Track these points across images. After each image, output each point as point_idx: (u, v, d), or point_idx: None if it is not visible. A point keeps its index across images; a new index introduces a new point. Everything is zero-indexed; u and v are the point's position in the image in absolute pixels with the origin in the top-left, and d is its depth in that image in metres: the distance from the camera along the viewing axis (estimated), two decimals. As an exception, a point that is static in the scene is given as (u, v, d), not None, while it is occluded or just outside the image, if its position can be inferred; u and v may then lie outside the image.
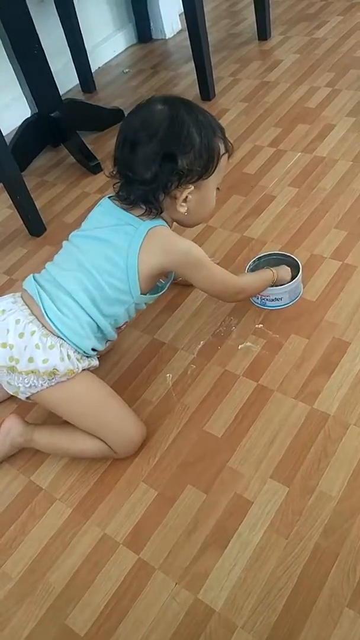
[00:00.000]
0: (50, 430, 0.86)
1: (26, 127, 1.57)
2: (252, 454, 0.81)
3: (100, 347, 0.84)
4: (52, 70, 1.54)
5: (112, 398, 0.83)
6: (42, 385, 0.77)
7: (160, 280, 0.88)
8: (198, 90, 1.71)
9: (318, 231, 1.16)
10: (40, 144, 1.65)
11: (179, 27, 2.20)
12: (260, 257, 1.06)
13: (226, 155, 0.82)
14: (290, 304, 1.01)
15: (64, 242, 0.85)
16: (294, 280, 0.98)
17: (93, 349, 0.82)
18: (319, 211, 1.20)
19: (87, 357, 0.81)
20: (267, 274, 0.96)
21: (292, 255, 1.04)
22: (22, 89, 1.74)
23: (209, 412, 0.88)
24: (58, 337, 0.76)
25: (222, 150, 0.80)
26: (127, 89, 1.91)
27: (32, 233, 1.37)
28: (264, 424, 0.85)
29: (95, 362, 0.83)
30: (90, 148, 1.56)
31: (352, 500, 0.74)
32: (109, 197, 0.83)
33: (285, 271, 1.00)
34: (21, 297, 0.81)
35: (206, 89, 1.69)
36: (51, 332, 0.76)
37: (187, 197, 0.79)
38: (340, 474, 0.76)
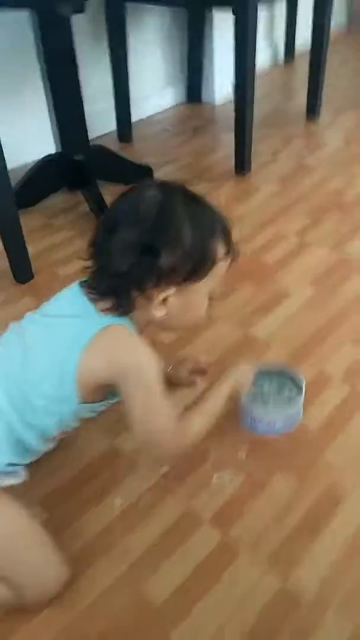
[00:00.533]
0: None
1: (45, 164, 1.47)
2: (196, 636, 0.62)
3: (23, 460, 0.67)
4: (91, 111, 1.46)
5: (30, 530, 0.64)
6: None
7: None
8: (233, 162, 1.61)
9: (331, 344, 1.00)
10: (56, 184, 1.54)
11: (231, 96, 2.15)
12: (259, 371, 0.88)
13: (227, 261, 0.68)
14: (283, 431, 0.84)
15: (11, 324, 0.70)
16: (294, 404, 0.82)
17: (11, 464, 0.65)
18: (336, 320, 1.05)
19: (5, 473, 0.64)
20: (218, 396, 0.74)
21: (293, 375, 0.87)
22: (50, 123, 1.67)
23: (153, 563, 0.69)
24: None
25: (221, 254, 0.66)
26: (164, 146, 1.82)
27: (17, 279, 1.23)
28: (220, 598, 0.65)
29: (15, 480, 0.66)
30: (107, 201, 1.44)
31: None
32: (79, 282, 0.69)
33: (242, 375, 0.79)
34: None
35: (241, 163, 1.60)
36: None
37: (166, 298, 0.64)
38: None
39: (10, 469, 0.65)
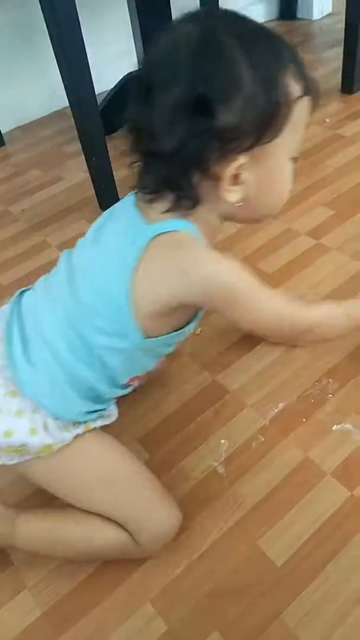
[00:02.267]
0: (43, 516, 0.59)
1: (128, 82, 1.35)
2: (323, 610, 0.53)
3: (102, 406, 0.59)
4: None
5: (136, 467, 0.58)
6: (9, 461, 0.54)
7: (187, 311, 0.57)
8: (340, 80, 1.42)
9: None
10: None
11: (330, 9, 1.92)
12: None
13: (305, 99, 0.49)
14: None
15: (62, 253, 0.59)
16: None
17: (90, 412, 0.57)
18: None
19: (83, 422, 0.56)
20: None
21: None
22: (135, 43, 1.54)
23: (271, 519, 0.60)
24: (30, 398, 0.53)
25: (296, 93, 0.48)
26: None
27: (102, 206, 1.15)
28: (351, 564, 0.55)
29: (100, 422, 0.58)
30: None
31: None
32: (135, 192, 0.54)
33: None
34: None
35: (350, 79, 1.41)
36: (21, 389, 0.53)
37: (237, 175, 0.48)
38: None
39: (93, 415, 0.57)
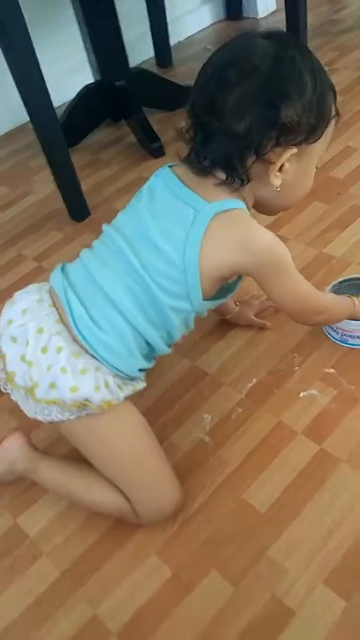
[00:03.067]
0: (61, 465, 0.71)
1: (85, 94, 1.45)
2: (302, 544, 0.64)
3: (149, 365, 0.68)
4: (126, 40, 1.41)
5: (154, 451, 0.67)
6: (67, 417, 0.62)
7: (228, 280, 0.70)
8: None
9: None
10: (99, 116, 1.53)
11: (274, 7, 2.04)
12: (341, 282, 0.88)
13: (334, 120, 0.64)
14: None
15: (105, 226, 0.68)
16: None
17: (140, 369, 0.67)
18: None
19: (132, 379, 0.66)
20: (346, 301, 0.79)
21: None
22: (87, 55, 1.64)
23: (253, 475, 0.71)
24: (93, 357, 0.62)
25: (333, 111, 0.63)
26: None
27: (73, 216, 1.24)
28: (323, 505, 0.67)
29: (140, 385, 0.68)
30: (154, 128, 1.42)
31: None
32: (169, 166, 0.66)
33: None
34: (49, 292, 0.66)
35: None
36: (84, 350, 0.61)
37: (283, 165, 0.61)
38: None
39: (139, 374, 0.67)
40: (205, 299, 0.64)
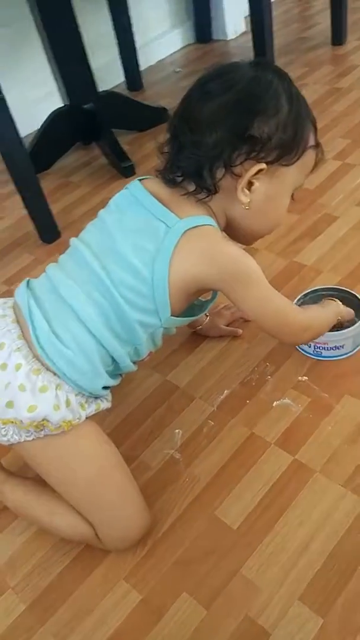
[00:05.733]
0: (25, 489, 0.69)
1: (54, 119, 1.48)
2: (276, 560, 0.62)
3: (114, 382, 0.67)
4: (96, 65, 1.45)
5: (118, 474, 0.64)
6: (24, 438, 0.61)
7: (200, 298, 0.71)
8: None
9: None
10: (69, 140, 1.55)
11: (243, 28, 2.11)
12: (312, 292, 0.88)
13: (314, 151, 0.65)
14: (352, 353, 0.82)
15: (72, 240, 0.67)
16: (358, 323, 0.80)
17: (104, 387, 0.65)
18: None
19: (95, 398, 0.65)
20: (331, 306, 0.78)
21: (353, 292, 0.86)
22: (57, 82, 1.67)
23: (225, 490, 0.70)
24: (54, 374, 0.60)
25: (312, 143, 0.64)
26: (177, 89, 1.80)
27: (43, 239, 1.25)
28: (297, 518, 0.65)
29: (105, 405, 0.66)
30: (125, 149, 1.44)
31: None
32: (139, 180, 0.66)
33: (346, 308, 0.81)
34: (13, 308, 0.64)
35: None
36: (45, 367, 0.60)
37: (252, 183, 0.61)
38: None
39: (104, 392, 0.65)
40: (174, 315, 0.64)
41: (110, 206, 0.67)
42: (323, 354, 0.82)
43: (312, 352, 0.83)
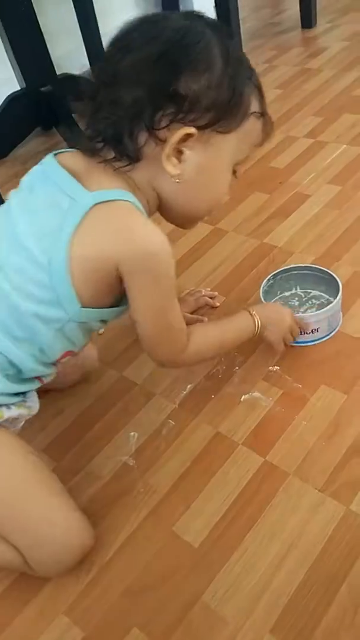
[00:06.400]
0: None
1: (10, 103, 1.36)
2: (244, 584, 0.51)
3: (25, 388, 0.56)
4: (58, 53, 1.34)
5: (44, 488, 0.53)
6: None
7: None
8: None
9: (366, 242, 0.87)
10: (27, 126, 1.43)
11: (213, 16, 2.01)
12: (283, 271, 0.78)
13: (259, 119, 0.54)
14: (327, 337, 0.72)
15: None
16: (334, 303, 0.70)
17: (13, 394, 0.54)
18: (368, 216, 0.92)
19: (7, 405, 0.53)
20: (240, 320, 0.65)
21: (327, 270, 0.76)
22: (13, 68, 1.55)
23: (185, 501, 0.58)
24: None
25: (255, 109, 0.53)
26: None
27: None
28: (268, 531, 0.54)
29: (23, 411, 0.55)
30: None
31: None
32: (55, 154, 0.54)
33: (274, 311, 0.68)
34: None
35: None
36: None
37: (182, 151, 0.50)
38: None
39: (12, 399, 0.54)
40: (86, 306, 0.52)
41: (20, 185, 0.55)
42: (296, 339, 0.71)
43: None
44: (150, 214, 0.55)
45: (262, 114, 0.54)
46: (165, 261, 0.51)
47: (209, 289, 0.84)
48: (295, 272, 0.78)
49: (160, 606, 0.51)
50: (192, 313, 0.79)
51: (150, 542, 0.56)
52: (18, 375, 0.54)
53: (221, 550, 0.54)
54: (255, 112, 0.53)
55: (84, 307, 0.52)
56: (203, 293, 0.82)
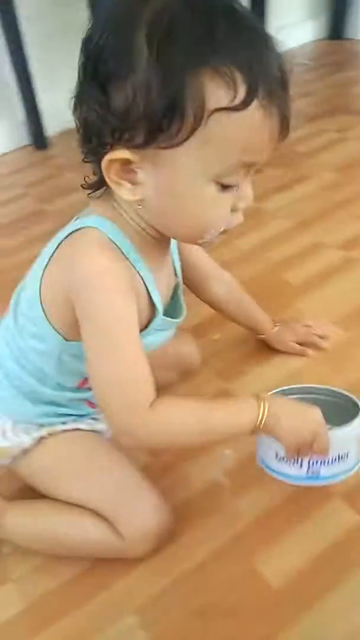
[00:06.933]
0: (28, 510, 0.57)
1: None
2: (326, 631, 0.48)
3: (67, 410, 0.57)
4: None
5: (117, 462, 0.56)
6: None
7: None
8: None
9: None
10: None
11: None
12: (297, 389, 0.58)
13: (231, 113, 0.37)
14: (353, 471, 0.53)
15: None
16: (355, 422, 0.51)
17: (61, 413, 0.57)
18: None
19: (48, 425, 0.57)
20: (239, 401, 0.50)
21: (347, 394, 0.56)
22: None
23: (271, 536, 0.56)
24: None
25: (223, 101, 0.37)
26: (299, 80, 1.64)
27: None
28: (355, 596, 0.50)
29: (83, 425, 0.58)
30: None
31: None
32: None
33: (296, 404, 0.50)
34: None
35: None
36: None
37: (136, 170, 0.41)
38: None
39: (63, 418, 0.57)
40: (71, 340, 0.49)
41: None
42: (322, 475, 0.52)
43: (305, 476, 0.52)
44: (155, 237, 0.48)
45: (238, 103, 0.37)
46: (102, 290, 0.43)
47: (328, 324, 0.78)
48: (311, 395, 0.57)
49: (229, 636, 0.49)
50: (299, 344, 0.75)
51: (228, 567, 0.54)
52: (53, 402, 0.56)
53: (300, 600, 0.51)
54: (220, 108, 0.37)
55: (67, 340, 0.49)
56: (315, 331, 0.76)
